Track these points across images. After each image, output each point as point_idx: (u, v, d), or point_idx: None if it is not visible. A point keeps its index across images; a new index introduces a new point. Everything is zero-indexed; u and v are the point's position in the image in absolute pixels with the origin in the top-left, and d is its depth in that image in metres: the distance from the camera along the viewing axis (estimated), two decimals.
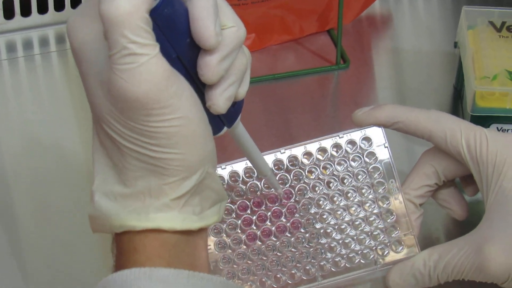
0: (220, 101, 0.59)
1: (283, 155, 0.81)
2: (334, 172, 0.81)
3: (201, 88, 0.59)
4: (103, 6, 0.53)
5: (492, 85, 0.88)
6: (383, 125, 0.81)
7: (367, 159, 0.82)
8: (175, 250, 0.60)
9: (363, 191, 0.81)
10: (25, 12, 1.03)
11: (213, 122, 0.62)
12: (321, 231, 0.78)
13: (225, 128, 0.64)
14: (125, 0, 0.54)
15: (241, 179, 0.79)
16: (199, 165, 0.59)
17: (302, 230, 0.78)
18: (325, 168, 0.81)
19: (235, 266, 0.77)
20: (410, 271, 0.78)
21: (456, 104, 0.97)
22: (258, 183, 0.79)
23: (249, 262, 0.77)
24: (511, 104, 0.87)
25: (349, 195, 0.81)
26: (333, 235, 0.79)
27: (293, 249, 0.77)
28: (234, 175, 0.80)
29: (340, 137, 0.82)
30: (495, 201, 0.77)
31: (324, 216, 0.79)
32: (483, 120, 0.87)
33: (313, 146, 0.82)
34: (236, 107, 0.63)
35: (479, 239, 0.75)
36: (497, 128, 0.88)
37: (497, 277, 0.74)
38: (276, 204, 0.78)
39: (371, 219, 0.79)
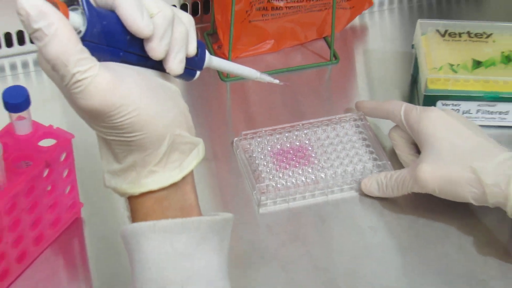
0: (174, 65, 0.58)
1: (291, 130, 0.91)
2: (329, 135, 0.93)
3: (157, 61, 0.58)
4: (43, 50, 0.52)
5: (438, 73, 0.94)
6: (366, 112, 0.94)
7: (355, 130, 0.93)
8: (168, 201, 0.60)
9: (351, 143, 0.92)
10: None
11: (186, 71, 0.61)
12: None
13: (198, 72, 0.63)
14: (56, 43, 0.52)
15: None
16: (165, 134, 0.58)
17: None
18: (321, 137, 0.92)
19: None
20: (375, 178, 0.86)
21: (413, 87, 1.02)
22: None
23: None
24: (452, 87, 0.93)
25: (339, 146, 0.91)
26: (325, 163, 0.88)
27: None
28: None
29: (335, 117, 0.94)
30: (426, 145, 0.84)
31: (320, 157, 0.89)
32: (432, 98, 0.93)
33: (314, 123, 0.93)
34: (199, 55, 0.62)
35: (417, 163, 0.83)
36: (442, 104, 0.94)
37: (427, 185, 0.81)
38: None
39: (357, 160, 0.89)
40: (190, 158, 0.61)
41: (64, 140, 0.78)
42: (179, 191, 0.61)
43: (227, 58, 1.00)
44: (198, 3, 1.09)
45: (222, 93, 1.01)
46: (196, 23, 0.96)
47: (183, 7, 1.08)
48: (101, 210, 0.85)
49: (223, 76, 1.02)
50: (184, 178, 0.60)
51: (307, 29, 1.07)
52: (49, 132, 0.79)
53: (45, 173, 0.77)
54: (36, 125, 0.79)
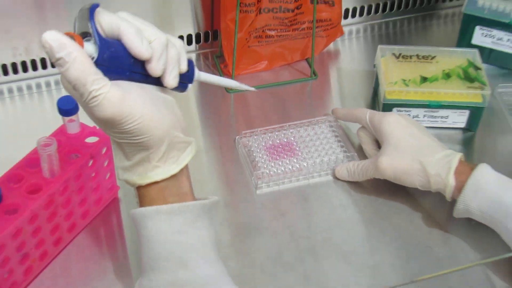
0: (170, 80, 0.59)
1: (280, 129, 0.93)
2: (310, 133, 0.93)
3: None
4: (65, 74, 0.53)
5: (394, 87, 0.94)
6: (339, 117, 0.93)
7: (330, 129, 0.94)
8: (168, 190, 0.61)
9: (327, 139, 0.92)
10: None
11: (180, 85, 0.61)
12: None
13: (190, 85, 0.63)
14: (75, 67, 0.52)
15: None
16: (164, 136, 0.58)
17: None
18: (303, 135, 0.92)
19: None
20: (345, 166, 0.87)
21: (374, 98, 1.03)
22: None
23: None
24: (404, 97, 0.94)
25: (317, 142, 0.91)
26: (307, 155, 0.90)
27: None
28: None
29: (314, 119, 0.95)
30: (385, 142, 0.84)
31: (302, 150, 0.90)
32: (390, 106, 0.94)
33: (298, 124, 0.94)
34: (189, 71, 0.62)
35: (378, 155, 0.83)
36: (397, 110, 0.94)
37: (385, 173, 0.82)
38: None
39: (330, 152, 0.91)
40: (185, 154, 0.61)
41: (105, 137, 0.80)
42: (176, 181, 0.61)
43: (231, 75, 1.04)
44: (209, 32, 1.11)
45: (227, 102, 1.03)
46: (207, 48, 1.06)
47: (197, 36, 1.10)
48: (133, 191, 0.82)
49: (228, 89, 1.04)
50: (181, 170, 0.61)
51: (293, 52, 1.10)
52: (93, 131, 0.81)
53: (90, 163, 0.79)
54: (83, 126, 0.81)
